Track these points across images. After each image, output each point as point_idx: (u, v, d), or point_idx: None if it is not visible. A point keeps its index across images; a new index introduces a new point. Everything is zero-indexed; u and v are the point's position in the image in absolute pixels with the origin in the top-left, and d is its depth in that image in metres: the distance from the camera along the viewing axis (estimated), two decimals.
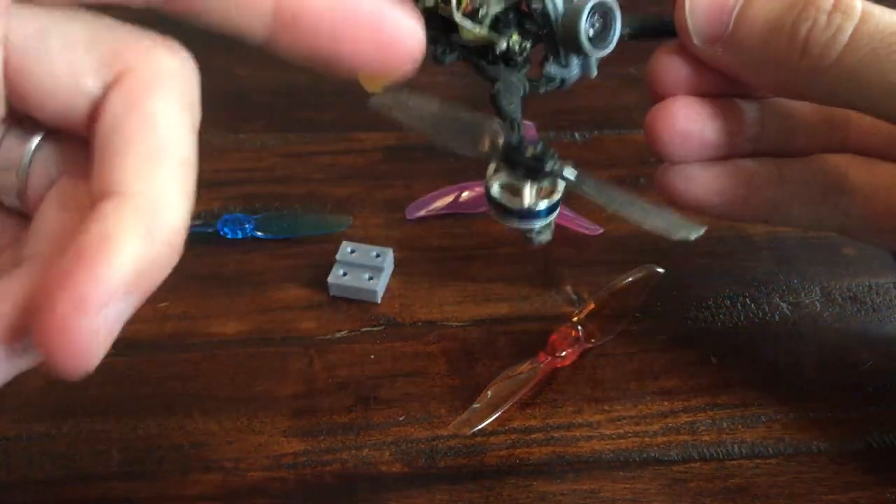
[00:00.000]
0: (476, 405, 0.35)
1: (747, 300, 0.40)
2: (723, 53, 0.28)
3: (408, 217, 0.43)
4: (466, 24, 0.27)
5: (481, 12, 0.26)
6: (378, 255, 0.40)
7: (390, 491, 0.33)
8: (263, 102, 0.51)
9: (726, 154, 0.33)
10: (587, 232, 0.43)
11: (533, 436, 0.35)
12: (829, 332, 0.39)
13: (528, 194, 0.27)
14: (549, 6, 0.26)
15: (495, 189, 0.27)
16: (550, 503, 0.33)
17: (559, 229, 0.43)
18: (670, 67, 0.30)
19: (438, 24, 0.28)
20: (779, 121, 0.33)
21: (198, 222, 0.43)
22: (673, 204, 0.33)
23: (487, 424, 0.35)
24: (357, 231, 0.43)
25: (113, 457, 0.34)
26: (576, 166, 0.26)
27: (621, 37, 0.29)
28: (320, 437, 0.35)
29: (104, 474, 0.34)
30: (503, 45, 0.27)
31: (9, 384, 0.38)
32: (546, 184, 0.27)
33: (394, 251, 0.41)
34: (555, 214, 0.28)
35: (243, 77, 0.53)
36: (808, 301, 0.40)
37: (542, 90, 0.28)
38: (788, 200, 0.34)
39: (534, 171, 0.26)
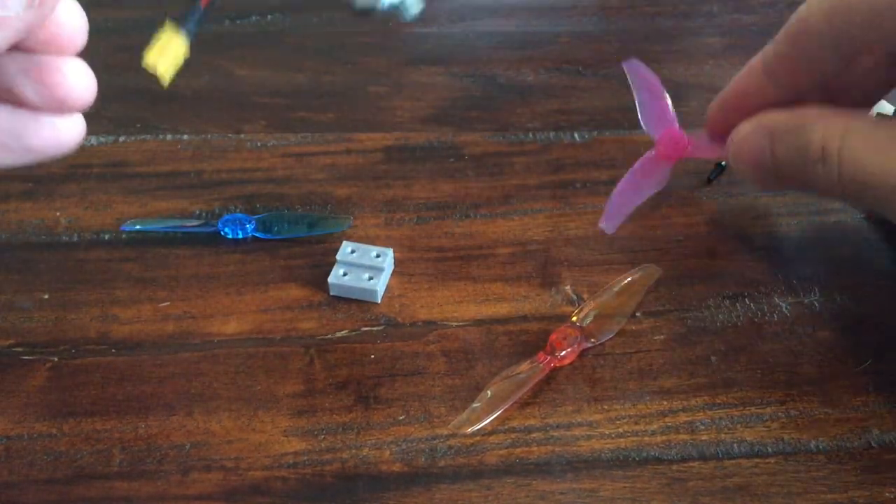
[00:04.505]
0: (475, 405, 0.35)
1: (747, 300, 0.40)
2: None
3: (609, 232, 0.41)
4: None
5: None
6: (378, 255, 0.40)
7: (390, 490, 0.33)
8: (263, 102, 0.51)
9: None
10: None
11: (532, 435, 0.35)
12: (827, 331, 0.39)
13: None
14: None
15: None
16: (550, 502, 0.33)
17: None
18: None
19: None
20: None
21: (198, 222, 0.43)
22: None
23: (486, 424, 0.35)
24: (357, 231, 0.43)
25: (114, 456, 0.34)
26: None
27: None
28: (320, 436, 0.35)
29: (105, 474, 0.34)
30: None
31: (10, 384, 0.38)
32: None
33: (394, 251, 0.41)
34: None
35: (243, 77, 0.53)
36: (807, 301, 0.40)
37: None
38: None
39: None
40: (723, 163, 0.47)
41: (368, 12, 0.26)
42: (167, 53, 0.29)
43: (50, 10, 0.24)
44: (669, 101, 0.43)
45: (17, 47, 0.25)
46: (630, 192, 0.41)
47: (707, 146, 0.42)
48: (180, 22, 0.29)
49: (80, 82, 0.26)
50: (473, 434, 0.35)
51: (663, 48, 0.56)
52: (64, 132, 0.27)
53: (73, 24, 0.26)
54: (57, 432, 0.35)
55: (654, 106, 0.42)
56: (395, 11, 0.26)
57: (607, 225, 0.40)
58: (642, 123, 0.42)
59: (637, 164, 0.41)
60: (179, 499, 0.33)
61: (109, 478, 0.34)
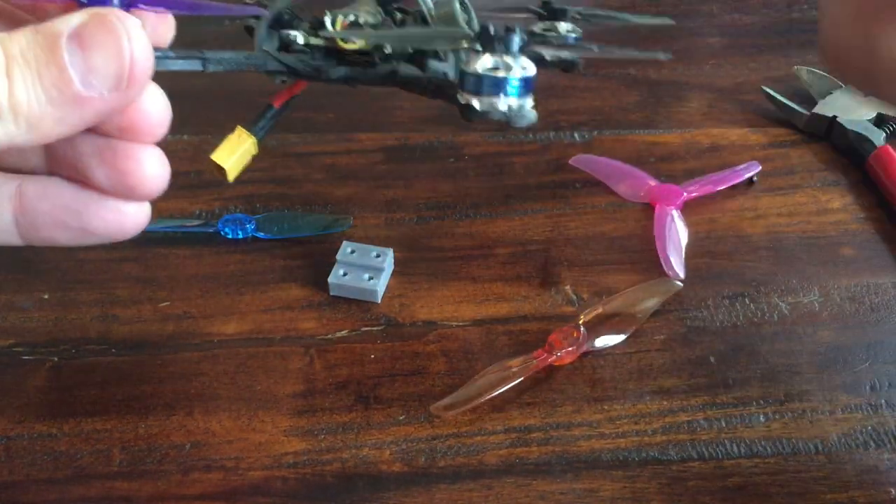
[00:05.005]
0: (461, 390, 0.35)
1: (746, 300, 0.40)
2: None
3: (681, 276, 0.41)
4: (351, 37, 0.29)
5: (361, 21, 0.29)
6: (378, 255, 0.40)
7: (390, 490, 0.33)
8: (263, 102, 0.51)
9: None
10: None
11: (532, 435, 0.35)
12: (827, 331, 0.39)
13: (517, 65, 0.27)
14: (423, 6, 0.29)
15: (480, 66, 0.27)
16: (550, 502, 0.33)
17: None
18: None
19: (316, 56, 0.31)
20: None
21: (198, 222, 0.43)
22: None
23: (467, 409, 0.35)
24: (357, 231, 0.43)
25: (114, 456, 0.34)
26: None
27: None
28: (320, 436, 0.35)
29: (105, 473, 0.34)
30: (388, 49, 0.29)
31: (10, 384, 0.38)
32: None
33: (394, 251, 0.41)
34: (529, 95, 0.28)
35: (243, 77, 0.53)
36: (806, 301, 0.40)
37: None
38: None
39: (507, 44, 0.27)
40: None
41: (482, 117, 0.27)
42: (235, 152, 0.30)
43: (137, 95, 0.22)
44: (631, 167, 0.46)
45: (93, 129, 0.23)
46: (666, 243, 0.42)
47: (702, 183, 0.45)
48: (252, 124, 0.30)
49: (154, 172, 0.25)
50: (473, 434, 0.35)
51: (663, 48, 0.56)
52: (128, 218, 0.26)
53: (157, 113, 0.24)
54: (57, 432, 0.35)
55: (623, 176, 0.46)
56: (509, 117, 0.27)
57: (672, 273, 0.41)
58: (624, 195, 0.46)
59: (655, 221, 0.43)
60: (179, 499, 0.33)
61: (109, 477, 0.34)
